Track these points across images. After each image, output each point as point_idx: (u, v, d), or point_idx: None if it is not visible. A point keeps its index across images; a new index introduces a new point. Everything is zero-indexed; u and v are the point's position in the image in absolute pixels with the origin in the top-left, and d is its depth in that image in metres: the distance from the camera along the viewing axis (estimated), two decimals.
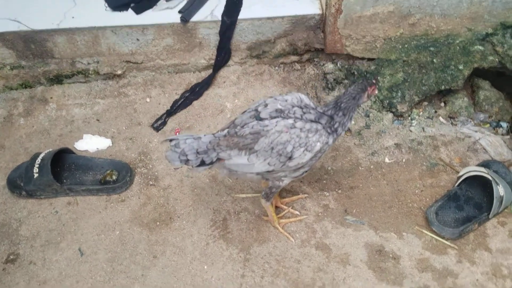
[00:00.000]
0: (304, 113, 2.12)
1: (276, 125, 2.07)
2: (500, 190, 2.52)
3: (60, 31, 3.00)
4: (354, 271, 2.37)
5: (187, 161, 2.14)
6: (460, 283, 2.33)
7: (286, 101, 2.15)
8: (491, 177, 2.53)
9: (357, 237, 2.50)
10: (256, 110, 2.16)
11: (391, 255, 2.43)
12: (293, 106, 2.13)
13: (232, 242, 2.47)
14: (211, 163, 2.16)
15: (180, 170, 2.77)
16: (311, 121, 2.11)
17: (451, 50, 2.94)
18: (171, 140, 2.16)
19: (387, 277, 2.35)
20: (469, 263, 2.40)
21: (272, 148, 2.07)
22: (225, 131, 2.19)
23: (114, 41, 3.05)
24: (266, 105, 2.15)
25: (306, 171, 2.26)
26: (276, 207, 2.58)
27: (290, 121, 2.08)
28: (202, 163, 2.15)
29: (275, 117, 2.11)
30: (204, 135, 2.18)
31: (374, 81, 2.21)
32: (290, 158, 2.10)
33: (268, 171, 2.17)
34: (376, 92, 2.25)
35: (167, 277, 2.36)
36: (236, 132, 2.13)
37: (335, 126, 2.16)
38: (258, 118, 2.12)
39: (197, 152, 2.13)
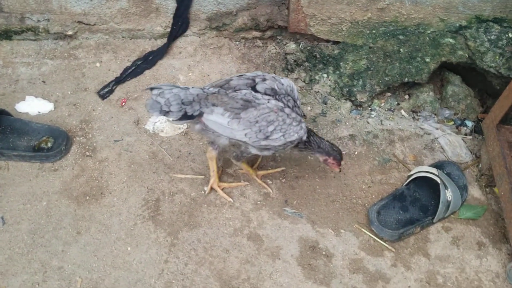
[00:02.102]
0: (295, 106, 2.17)
1: (268, 102, 2.07)
2: (448, 195, 2.40)
3: None
4: (282, 266, 2.27)
5: (167, 113, 2.07)
6: None
7: (282, 84, 2.16)
8: (440, 180, 2.41)
9: (292, 230, 2.39)
10: (253, 80, 2.15)
11: (324, 252, 2.32)
12: (287, 94, 2.15)
13: (161, 224, 2.36)
14: (192, 116, 2.09)
15: (120, 143, 2.64)
16: (298, 114, 2.15)
17: (420, 40, 2.77)
18: (152, 89, 2.08)
19: (316, 275, 2.25)
20: (404, 268, 2.30)
21: (257, 122, 2.07)
22: (217, 89, 2.13)
23: None
24: (264, 80, 2.15)
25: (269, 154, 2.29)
26: (211, 188, 2.47)
27: (281, 104, 2.09)
28: (183, 117, 2.08)
29: (268, 95, 2.11)
30: (192, 87, 2.11)
31: (340, 163, 2.34)
32: (266, 138, 2.10)
33: (239, 141, 2.15)
34: (334, 167, 2.38)
35: (87, 255, 2.26)
36: (227, 92, 2.10)
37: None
38: (254, 88, 2.13)
39: (182, 103, 2.05)
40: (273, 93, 2.13)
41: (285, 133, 2.11)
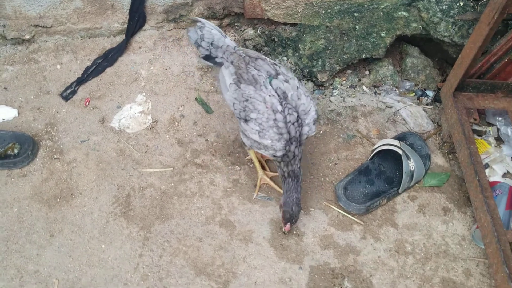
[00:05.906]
0: (293, 124, 2.11)
1: (270, 96, 2.08)
2: (410, 165, 2.47)
3: None
4: (255, 249, 2.32)
5: (199, 46, 2.30)
6: (361, 260, 2.31)
7: (299, 99, 2.14)
8: (402, 151, 2.48)
9: (263, 213, 2.44)
10: (277, 74, 2.16)
11: (295, 232, 2.38)
12: (295, 109, 2.12)
13: (133, 220, 2.40)
14: (214, 60, 2.29)
15: (86, 143, 2.65)
16: (288, 133, 2.10)
17: (375, 15, 2.81)
18: (197, 21, 2.32)
19: (288, 254, 2.31)
20: (373, 240, 2.37)
21: (246, 100, 2.11)
22: (245, 55, 2.23)
23: (19, 3, 2.84)
24: (286, 81, 2.14)
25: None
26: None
27: (280, 108, 2.08)
28: (207, 57, 2.30)
29: (277, 93, 2.12)
30: (230, 39, 2.30)
31: (286, 223, 2.26)
32: (245, 121, 2.13)
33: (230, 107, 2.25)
34: (281, 222, 2.30)
35: (62, 257, 2.28)
36: (248, 63, 2.18)
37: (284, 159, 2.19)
38: (270, 78, 2.14)
39: (211, 43, 2.26)
40: (283, 97, 2.11)
41: (261, 132, 2.10)
